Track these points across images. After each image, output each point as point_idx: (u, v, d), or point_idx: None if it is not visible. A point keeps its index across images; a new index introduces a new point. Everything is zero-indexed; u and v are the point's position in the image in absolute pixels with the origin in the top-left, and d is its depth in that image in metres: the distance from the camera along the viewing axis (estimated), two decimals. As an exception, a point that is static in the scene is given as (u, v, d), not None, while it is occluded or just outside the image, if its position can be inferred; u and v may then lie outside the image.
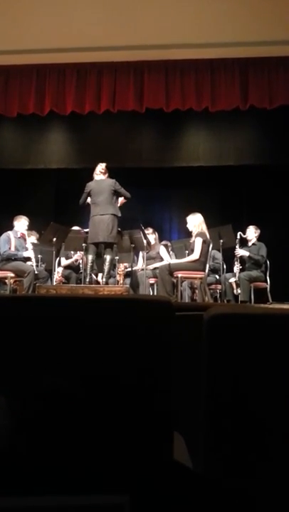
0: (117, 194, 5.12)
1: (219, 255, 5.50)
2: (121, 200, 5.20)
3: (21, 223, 5.28)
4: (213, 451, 0.78)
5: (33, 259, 5.18)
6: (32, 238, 5.57)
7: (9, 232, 5.18)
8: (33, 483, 0.50)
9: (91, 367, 0.74)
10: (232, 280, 5.47)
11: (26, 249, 5.20)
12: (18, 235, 5.21)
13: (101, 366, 0.75)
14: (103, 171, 5.26)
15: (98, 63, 6.03)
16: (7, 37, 5.53)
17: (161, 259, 5.61)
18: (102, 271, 5.13)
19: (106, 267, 5.03)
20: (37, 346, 0.76)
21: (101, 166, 5.28)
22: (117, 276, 5.89)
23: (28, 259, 5.13)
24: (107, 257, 5.03)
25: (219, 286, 5.62)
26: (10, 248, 5.06)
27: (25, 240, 5.27)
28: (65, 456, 0.54)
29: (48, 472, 0.52)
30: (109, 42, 5.57)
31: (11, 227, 5.29)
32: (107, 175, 5.28)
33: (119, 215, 5.13)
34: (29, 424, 0.56)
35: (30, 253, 5.16)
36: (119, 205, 5.19)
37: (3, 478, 0.50)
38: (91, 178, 5.34)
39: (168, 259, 5.58)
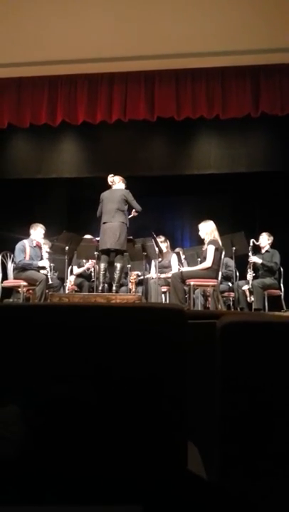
0: (128, 204, 5.14)
1: (232, 263, 5.47)
2: (132, 213, 5.23)
3: (38, 232, 5.28)
4: (229, 461, 0.77)
5: (48, 268, 5.18)
6: (45, 247, 5.60)
7: (25, 241, 5.16)
8: (45, 492, 0.50)
9: (104, 375, 0.74)
10: (245, 288, 5.43)
11: (41, 258, 5.20)
12: (34, 244, 5.21)
13: (114, 375, 0.74)
14: (111, 183, 5.32)
15: (109, 73, 6.09)
16: (19, 49, 5.62)
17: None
18: (113, 279, 5.14)
19: (116, 275, 5.05)
20: (51, 354, 0.76)
21: (111, 178, 5.36)
22: (129, 284, 5.90)
23: (43, 268, 5.13)
24: (118, 265, 5.04)
25: (232, 294, 5.58)
26: (25, 257, 5.07)
27: (40, 248, 5.26)
28: (78, 465, 0.54)
29: (60, 481, 0.51)
30: (120, 52, 5.62)
31: (23, 236, 5.31)
32: (121, 184, 5.32)
33: (128, 224, 5.14)
34: (42, 432, 0.56)
35: (45, 262, 5.15)
36: (130, 216, 5.21)
37: (14, 486, 0.50)
38: (102, 187, 5.38)
39: (176, 268, 5.57)
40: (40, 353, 0.76)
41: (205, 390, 0.88)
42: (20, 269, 5.04)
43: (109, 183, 5.35)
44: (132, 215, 5.24)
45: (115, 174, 5.45)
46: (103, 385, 0.73)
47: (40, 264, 5.11)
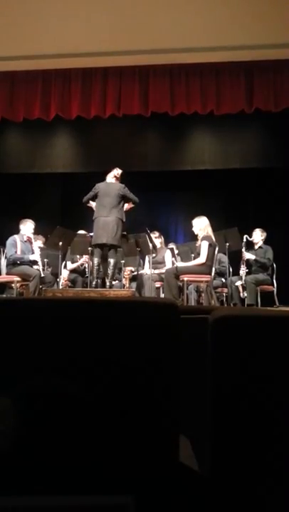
0: (124, 199, 5.13)
1: (225, 258, 5.48)
2: (128, 205, 5.21)
3: (27, 226, 5.30)
4: (220, 454, 0.77)
5: (40, 263, 5.19)
6: (38, 242, 5.59)
7: (15, 236, 5.19)
8: (36, 483, 0.50)
9: (97, 368, 0.74)
10: (238, 283, 5.45)
11: (33, 252, 5.22)
12: (25, 239, 5.23)
13: (107, 368, 0.75)
14: (118, 176, 5.29)
15: (103, 68, 6.06)
16: (13, 43, 5.57)
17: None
18: (106, 274, 5.14)
19: (110, 271, 5.04)
20: (43, 347, 0.76)
21: (117, 171, 5.32)
22: (123, 280, 5.89)
23: (35, 262, 5.14)
24: (111, 261, 5.03)
25: (225, 290, 5.60)
26: (16, 252, 5.08)
27: (31, 243, 5.29)
28: (70, 456, 0.54)
29: (51, 472, 0.52)
30: (114, 46, 5.60)
31: (17, 231, 5.31)
32: (118, 180, 5.31)
33: (124, 220, 5.14)
34: (33, 424, 0.57)
35: (36, 256, 5.17)
36: (126, 209, 5.20)
37: (6, 477, 0.50)
38: (97, 182, 5.36)
39: (170, 263, 5.58)
40: (33, 346, 0.76)
41: (197, 383, 0.89)
42: (13, 264, 5.04)
43: (114, 177, 5.29)
44: (128, 208, 5.22)
45: (109, 169, 5.43)
46: (96, 377, 0.74)
47: (32, 258, 5.12)
